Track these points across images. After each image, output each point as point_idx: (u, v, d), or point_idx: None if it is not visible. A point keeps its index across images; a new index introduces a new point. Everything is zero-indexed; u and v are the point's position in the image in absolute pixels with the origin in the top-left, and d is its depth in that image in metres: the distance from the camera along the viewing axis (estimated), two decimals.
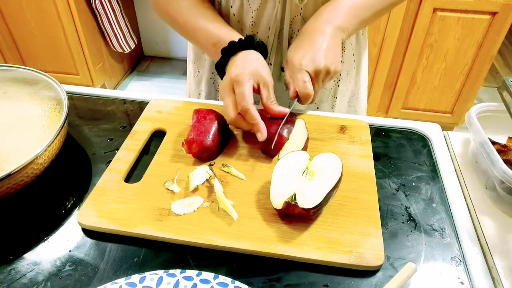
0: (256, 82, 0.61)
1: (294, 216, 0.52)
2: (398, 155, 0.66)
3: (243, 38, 0.64)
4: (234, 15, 0.71)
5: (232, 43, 0.63)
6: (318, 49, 0.61)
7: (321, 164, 0.53)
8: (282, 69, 0.75)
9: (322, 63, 0.61)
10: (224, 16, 0.73)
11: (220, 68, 0.65)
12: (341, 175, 0.52)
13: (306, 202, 0.49)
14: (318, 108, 0.82)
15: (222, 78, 0.64)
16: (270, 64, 0.74)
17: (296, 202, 0.49)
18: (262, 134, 0.59)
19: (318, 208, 0.50)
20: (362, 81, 0.86)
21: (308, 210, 0.49)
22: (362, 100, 0.88)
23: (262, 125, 0.59)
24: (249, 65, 0.60)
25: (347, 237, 0.51)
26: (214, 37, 0.66)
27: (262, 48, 0.65)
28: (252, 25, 0.71)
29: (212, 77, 0.82)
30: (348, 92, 0.84)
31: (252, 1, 0.69)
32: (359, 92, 0.86)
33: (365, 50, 0.83)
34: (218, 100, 0.84)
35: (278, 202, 0.50)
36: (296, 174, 0.53)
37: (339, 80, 0.80)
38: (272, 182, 0.53)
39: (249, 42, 0.64)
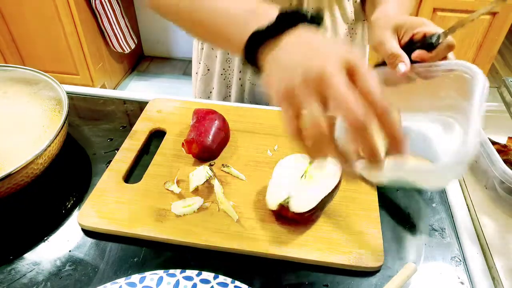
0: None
1: (288, 218, 0.52)
2: None
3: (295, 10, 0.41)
4: None
5: (296, 13, 0.40)
6: None
7: None
8: None
9: None
10: None
11: (257, 43, 0.40)
12: (340, 181, 0.52)
13: (298, 206, 0.49)
14: None
15: (249, 62, 0.42)
16: None
17: (288, 205, 0.50)
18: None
19: (312, 213, 0.50)
20: None
21: (300, 214, 0.49)
22: None
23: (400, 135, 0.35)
24: (327, 46, 0.37)
25: (346, 238, 0.50)
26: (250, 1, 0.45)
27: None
28: None
29: (223, 73, 0.82)
30: None
31: None
32: None
33: (367, 48, 0.85)
34: (230, 97, 0.84)
35: (272, 203, 0.51)
36: (294, 176, 0.53)
37: None
38: (270, 183, 0.53)
39: (310, 18, 0.41)
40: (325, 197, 0.50)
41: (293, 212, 0.49)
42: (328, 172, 0.53)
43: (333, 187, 0.51)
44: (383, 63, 0.58)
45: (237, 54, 0.43)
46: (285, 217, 0.52)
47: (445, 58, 0.52)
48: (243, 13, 0.43)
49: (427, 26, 0.53)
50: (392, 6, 0.62)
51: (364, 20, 0.78)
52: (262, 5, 0.43)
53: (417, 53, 0.52)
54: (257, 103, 0.82)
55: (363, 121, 0.32)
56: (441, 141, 0.61)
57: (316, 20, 0.41)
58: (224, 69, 0.81)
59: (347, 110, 0.32)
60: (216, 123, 0.61)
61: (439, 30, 0.52)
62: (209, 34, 0.49)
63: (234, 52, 0.44)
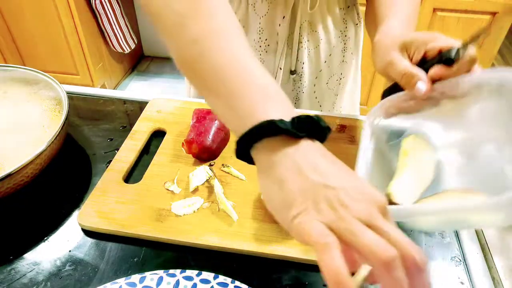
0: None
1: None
2: None
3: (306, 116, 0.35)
4: (239, 21, 0.71)
5: (318, 123, 0.35)
6: None
7: None
8: (292, 72, 0.76)
9: None
10: None
11: (262, 135, 0.34)
12: None
13: None
14: (320, 106, 0.82)
15: (243, 155, 0.36)
16: (280, 69, 0.74)
17: None
18: None
19: None
20: (359, 78, 0.88)
21: None
22: (357, 96, 0.90)
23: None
24: (361, 182, 0.33)
25: None
26: (267, 87, 0.37)
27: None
28: (260, 31, 0.71)
29: None
30: (349, 90, 0.86)
31: (259, 8, 0.68)
32: (356, 89, 0.88)
33: (360, 49, 0.84)
34: None
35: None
36: None
37: (341, 79, 0.81)
38: None
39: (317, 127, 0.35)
40: None
41: None
42: None
43: None
44: (393, 88, 0.52)
45: (233, 132, 0.37)
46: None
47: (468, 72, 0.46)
48: (254, 91, 0.36)
49: (441, 40, 0.46)
50: (397, 23, 0.55)
51: (356, 24, 0.77)
52: (277, 89, 0.37)
53: (435, 70, 0.45)
54: None
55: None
56: (441, 140, 0.58)
57: (326, 133, 0.36)
58: None
59: (407, 253, 0.29)
60: (216, 123, 0.61)
61: (456, 43, 0.44)
62: (207, 93, 0.39)
63: (229, 128, 0.38)
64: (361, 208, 0.31)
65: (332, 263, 0.28)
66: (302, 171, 0.32)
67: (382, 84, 1.96)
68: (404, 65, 0.47)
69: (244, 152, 0.36)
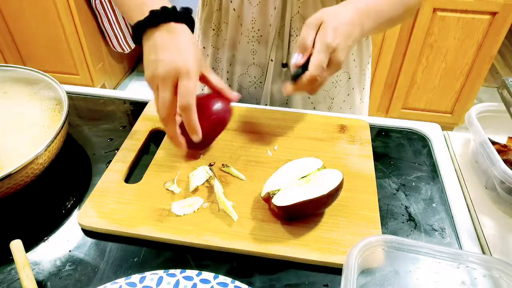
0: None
1: (270, 209, 0.53)
2: (398, 155, 0.66)
3: (173, 7, 0.54)
4: (234, 10, 0.71)
5: (165, 11, 0.53)
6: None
7: (322, 177, 0.52)
8: (284, 65, 0.75)
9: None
10: (224, 10, 0.73)
11: (140, 31, 0.55)
12: (331, 194, 0.50)
13: (278, 200, 0.50)
14: (314, 108, 0.82)
15: (137, 43, 0.56)
16: (272, 61, 0.74)
17: (273, 196, 0.51)
18: (198, 135, 0.54)
19: (287, 212, 0.50)
20: (365, 91, 0.86)
21: (277, 207, 0.50)
22: (364, 107, 0.88)
23: (198, 128, 0.54)
24: (191, 50, 0.53)
25: (347, 238, 0.51)
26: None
27: (191, 23, 0.57)
28: (252, 21, 0.71)
29: (214, 66, 0.82)
30: (349, 98, 0.83)
31: None
32: (362, 102, 0.86)
33: (368, 59, 0.82)
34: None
35: (264, 190, 0.52)
36: (296, 175, 0.53)
37: (337, 82, 0.80)
38: (273, 174, 0.54)
39: (185, 14, 0.55)
40: (303, 202, 0.48)
41: (273, 204, 0.50)
42: (325, 182, 0.51)
43: (317, 195, 0.49)
44: None
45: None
46: (269, 207, 0.53)
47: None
48: (139, 4, 0.55)
49: (315, 54, 0.52)
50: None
51: None
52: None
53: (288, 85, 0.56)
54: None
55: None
56: None
57: (184, 16, 0.54)
58: (213, 68, 0.82)
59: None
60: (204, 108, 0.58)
61: (311, 65, 0.52)
62: (123, 13, 0.60)
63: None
64: (165, 74, 0.51)
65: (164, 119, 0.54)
66: (149, 53, 0.53)
67: (380, 87, 1.96)
68: (306, 39, 0.54)
69: (138, 42, 0.56)
